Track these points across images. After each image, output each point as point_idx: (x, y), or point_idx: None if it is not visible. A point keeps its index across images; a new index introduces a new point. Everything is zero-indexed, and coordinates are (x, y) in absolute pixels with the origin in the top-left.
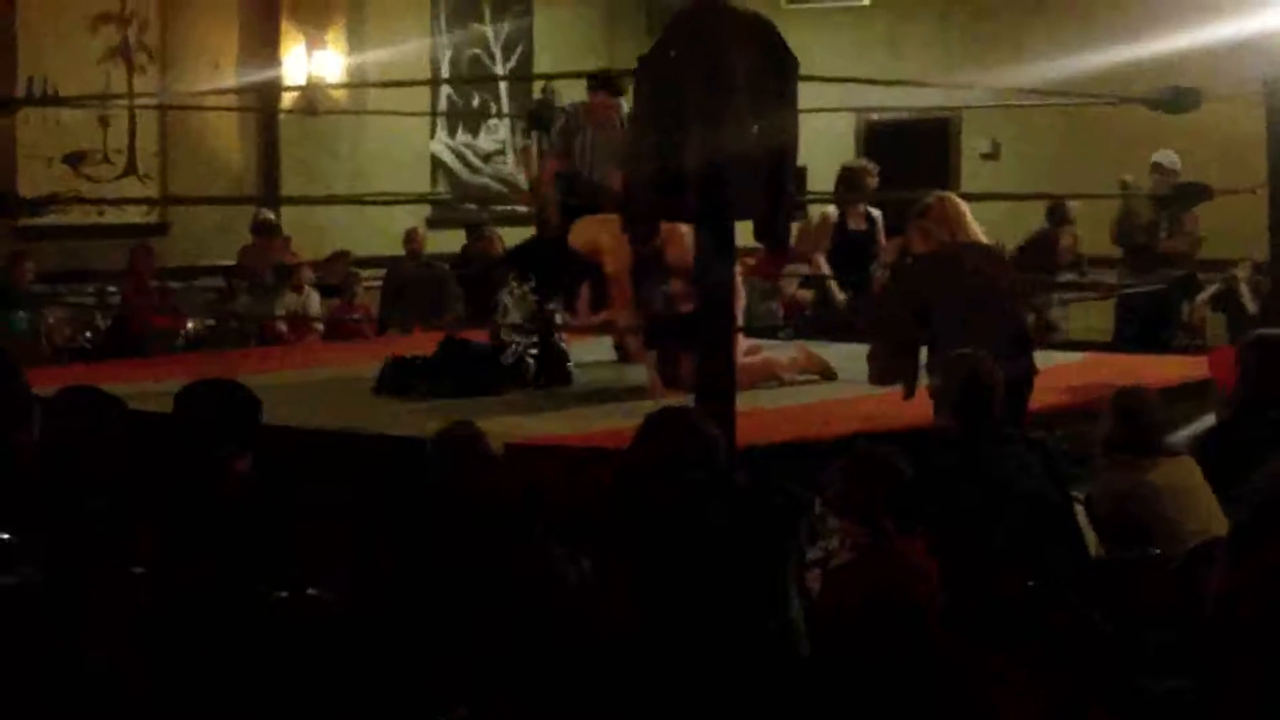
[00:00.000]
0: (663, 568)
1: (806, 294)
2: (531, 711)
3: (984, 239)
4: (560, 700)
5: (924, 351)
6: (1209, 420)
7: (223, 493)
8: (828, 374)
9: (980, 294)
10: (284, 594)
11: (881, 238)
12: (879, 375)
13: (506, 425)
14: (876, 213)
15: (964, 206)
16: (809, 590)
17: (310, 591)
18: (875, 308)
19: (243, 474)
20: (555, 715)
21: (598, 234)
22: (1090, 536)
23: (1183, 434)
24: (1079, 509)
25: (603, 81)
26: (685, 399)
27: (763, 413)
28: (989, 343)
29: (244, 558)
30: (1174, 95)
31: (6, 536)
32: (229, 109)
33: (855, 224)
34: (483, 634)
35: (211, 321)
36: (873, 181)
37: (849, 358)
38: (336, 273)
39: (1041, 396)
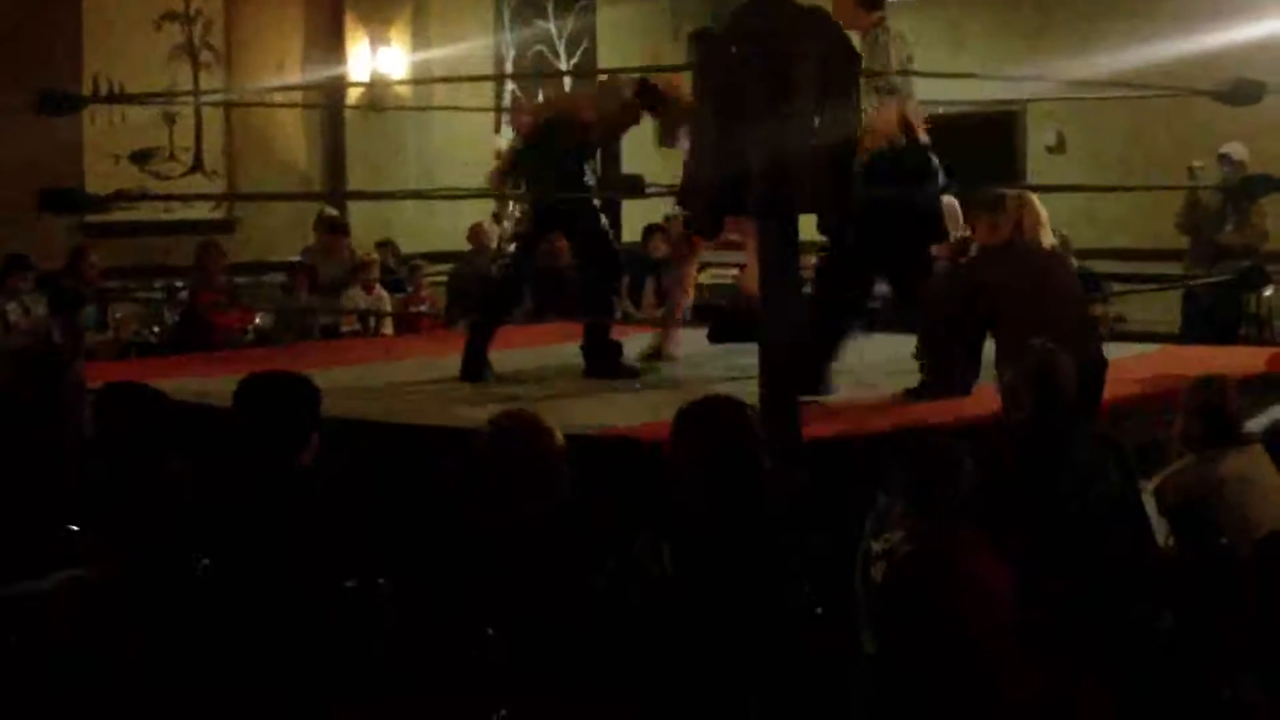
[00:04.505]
0: (712, 563)
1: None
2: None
3: (1052, 240)
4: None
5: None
6: (1275, 412)
7: (285, 485)
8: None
9: (1045, 289)
10: (351, 584)
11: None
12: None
13: (564, 415)
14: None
15: (1043, 212)
16: (873, 581)
17: (380, 581)
18: (932, 296)
19: (305, 466)
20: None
21: None
22: (1161, 526)
23: (1255, 423)
24: (1150, 501)
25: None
26: None
27: (825, 407)
28: (1057, 336)
29: (309, 549)
30: (1237, 88)
31: (75, 528)
32: (294, 105)
33: None
34: (548, 628)
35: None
36: None
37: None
38: (385, 264)
39: (1116, 389)
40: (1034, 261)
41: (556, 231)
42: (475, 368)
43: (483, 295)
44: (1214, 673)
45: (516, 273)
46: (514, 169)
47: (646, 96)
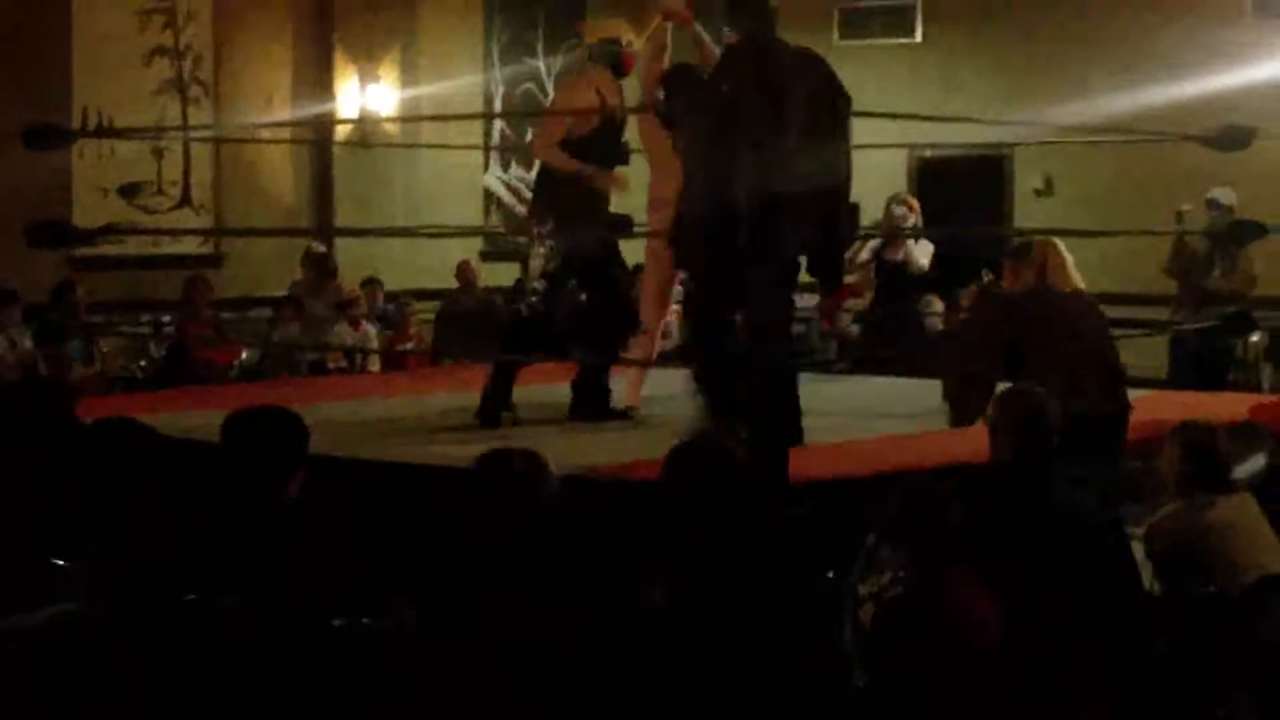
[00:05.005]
0: (706, 600)
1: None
2: None
3: (1079, 284)
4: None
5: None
6: (1259, 460)
7: (271, 521)
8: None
9: (1069, 332)
10: (340, 623)
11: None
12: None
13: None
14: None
15: (1068, 256)
16: (861, 624)
17: (365, 620)
18: (954, 340)
19: (291, 503)
20: None
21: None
22: (1146, 571)
23: (1240, 471)
24: (1137, 546)
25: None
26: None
27: (817, 448)
28: (1082, 378)
29: (295, 586)
30: (1226, 133)
31: (61, 563)
32: (282, 141)
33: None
34: (541, 663)
35: (258, 352)
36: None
37: (902, 392)
38: (371, 302)
39: None
40: (1059, 305)
41: (587, 268)
42: (494, 411)
43: (508, 334)
44: (1207, 697)
45: (547, 311)
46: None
47: (611, 58)
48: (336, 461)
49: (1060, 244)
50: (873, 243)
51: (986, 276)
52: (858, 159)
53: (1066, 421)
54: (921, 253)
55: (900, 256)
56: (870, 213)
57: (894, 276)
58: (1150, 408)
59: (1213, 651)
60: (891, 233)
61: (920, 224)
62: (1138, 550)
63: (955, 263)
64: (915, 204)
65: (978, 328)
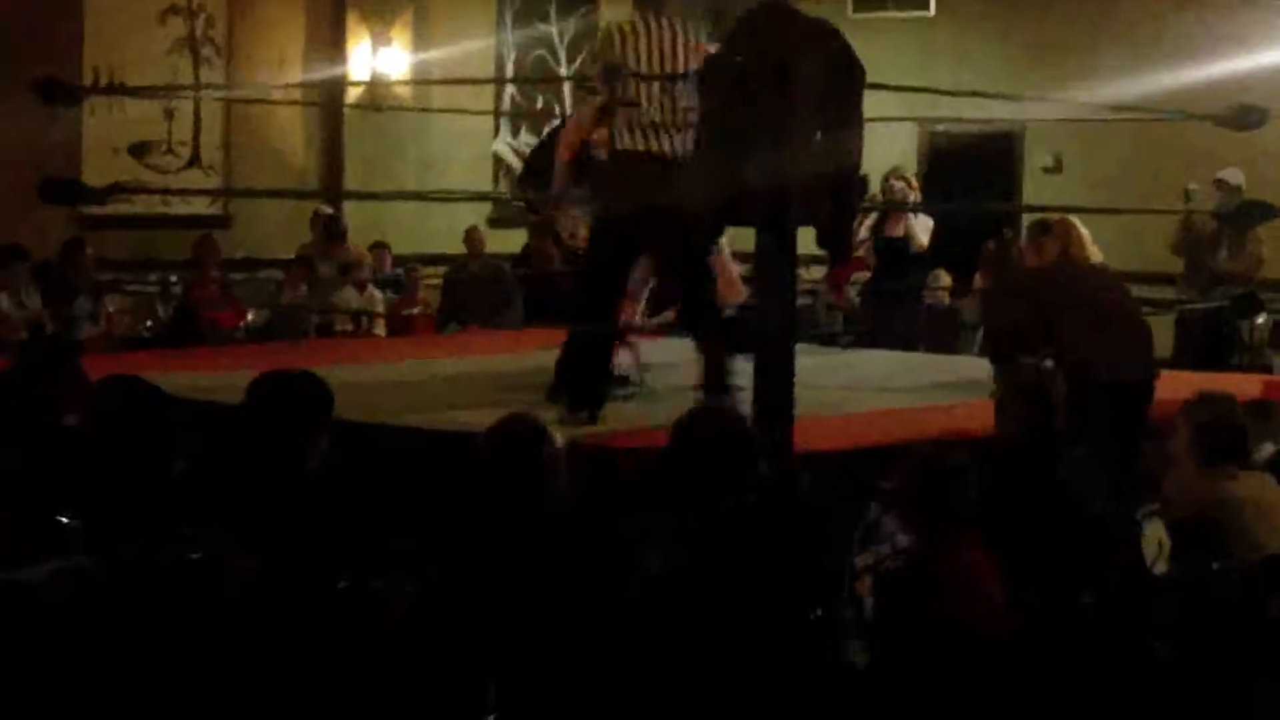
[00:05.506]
0: (709, 570)
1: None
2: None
3: (1100, 258)
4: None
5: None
6: (1268, 447)
7: (294, 484)
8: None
9: (1102, 305)
10: (345, 585)
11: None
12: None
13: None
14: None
15: (1085, 231)
16: (859, 595)
17: (375, 585)
18: (983, 317)
19: (314, 466)
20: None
21: None
22: (1152, 545)
23: (1255, 452)
24: (1148, 522)
25: None
26: None
27: (821, 419)
28: (1118, 355)
29: (311, 549)
30: (1239, 113)
31: (65, 520)
32: (294, 103)
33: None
34: (539, 630)
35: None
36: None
37: (906, 365)
38: (379, 265)
39: None
40: (1085, 277)
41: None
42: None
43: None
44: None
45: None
46: None
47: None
48: (346, 425)
49: (1077, 220)
50: (869, 219)
51: (1008, 234)
52: (868, 133)
53: (1096, 391)
54: (922, 229)
55: (901, 232)
56: (876, 188)
57: (894, 252)
58: (1160, 387)
59: (1224, 629)
60: (887, 206)
61: (919, 200)
62: (1147, 528)
63: (963, 237)
64: (914, 180)
65: (1005, 301)
